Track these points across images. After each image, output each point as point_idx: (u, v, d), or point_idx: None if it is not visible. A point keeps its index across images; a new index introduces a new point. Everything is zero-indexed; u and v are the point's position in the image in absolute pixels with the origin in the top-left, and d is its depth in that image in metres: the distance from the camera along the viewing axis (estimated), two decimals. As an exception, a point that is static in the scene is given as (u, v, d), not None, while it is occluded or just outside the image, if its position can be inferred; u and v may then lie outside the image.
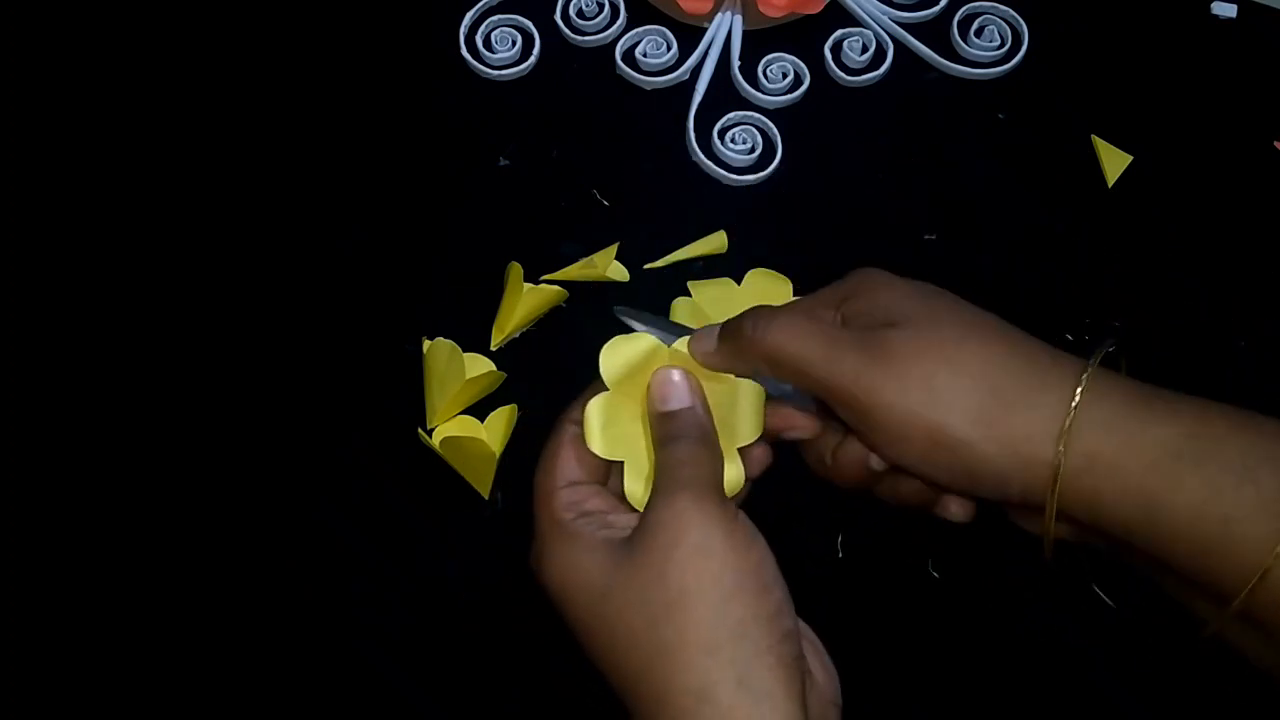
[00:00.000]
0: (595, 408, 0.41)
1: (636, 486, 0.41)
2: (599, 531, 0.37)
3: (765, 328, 0.39)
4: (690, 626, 0.34)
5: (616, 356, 0.41)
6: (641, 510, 0.39)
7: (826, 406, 0.39)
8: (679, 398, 0.40)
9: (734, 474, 0.42)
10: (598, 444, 0.40)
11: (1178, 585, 0.36)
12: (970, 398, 0.35)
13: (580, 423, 0.41)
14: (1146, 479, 0.34)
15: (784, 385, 0.41)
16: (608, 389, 0.41)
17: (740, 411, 0.42)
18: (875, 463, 0.39)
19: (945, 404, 0.35)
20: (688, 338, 0.42)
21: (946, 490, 0.38)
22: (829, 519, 0.52)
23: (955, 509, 0.40)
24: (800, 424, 0.42)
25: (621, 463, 0.41)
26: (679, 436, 0.39)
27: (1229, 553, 0.33)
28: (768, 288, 0.55)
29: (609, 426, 0.41)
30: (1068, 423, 0.34)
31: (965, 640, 0.50)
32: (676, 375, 0.40)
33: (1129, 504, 0.34)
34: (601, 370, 0.41)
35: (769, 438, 0.42)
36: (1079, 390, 0.35)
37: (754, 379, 0.42)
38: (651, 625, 0.34)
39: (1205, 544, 0.33)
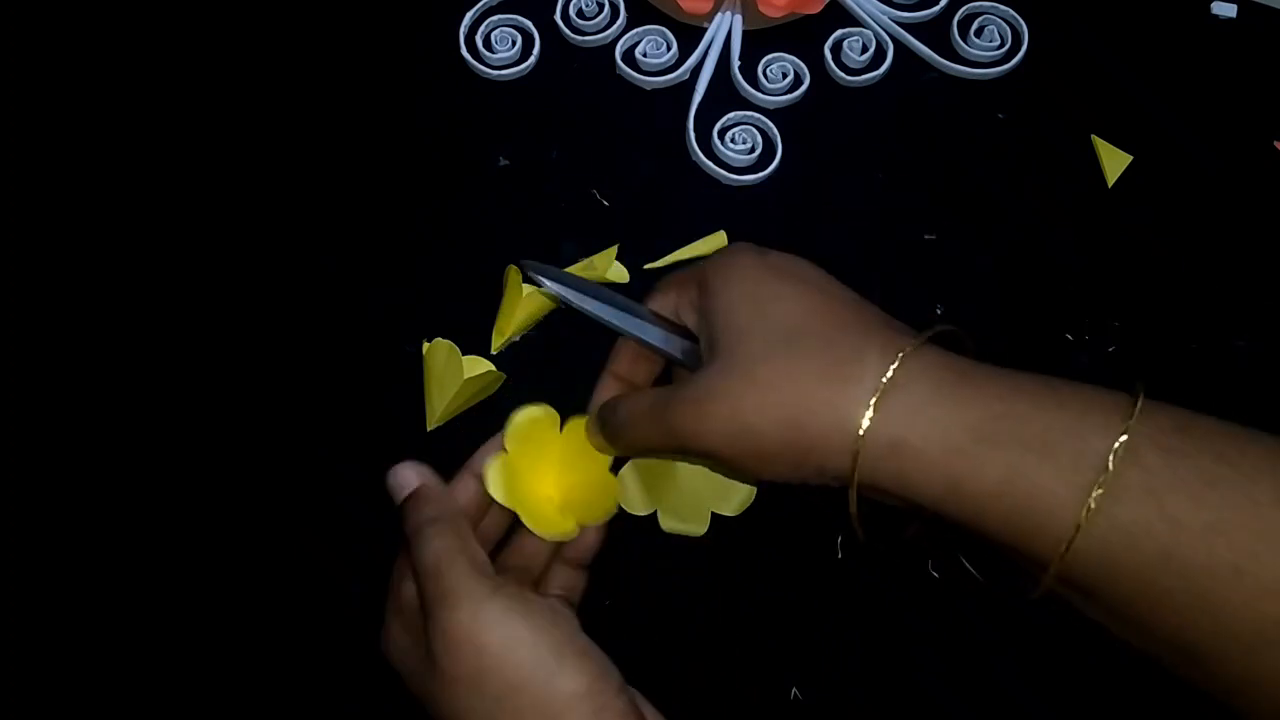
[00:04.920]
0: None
1: (671, 522, 0.50)
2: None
3: (602, 430, 0.45)
4: (524, 713, 0.39)
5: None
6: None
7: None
8: (408, 483, 0.45)
9: (747, 486, 0.51)
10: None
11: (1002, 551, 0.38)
12: (777, 415, 0.38)
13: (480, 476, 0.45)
14: (951, 462, 0.36)
15: (671, 344, 0.45)
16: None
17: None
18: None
19: (756, 432, 0.38)
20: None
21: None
22: (827, 520, 0.52)
23: None
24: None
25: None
26: (420, 524, 0.43)
27: (1036, 525, 0.35)
28: None
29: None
30: (866, 418, 0.36)
31: (966, 641, 0.50)
32: (401, 468, 0.45)
33: (936, 484, 0.36)
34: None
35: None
36: (884, 378, 0.37)
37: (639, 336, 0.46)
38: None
39: (1013, 519, 0.35)
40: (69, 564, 0.52)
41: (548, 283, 0.46)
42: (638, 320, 0.45)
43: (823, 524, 0.52)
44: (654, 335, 0.45)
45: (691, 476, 0.51)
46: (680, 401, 0.40)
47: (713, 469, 0.49)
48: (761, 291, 0.40)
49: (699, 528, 0.51)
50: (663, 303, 0.46)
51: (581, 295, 0.46)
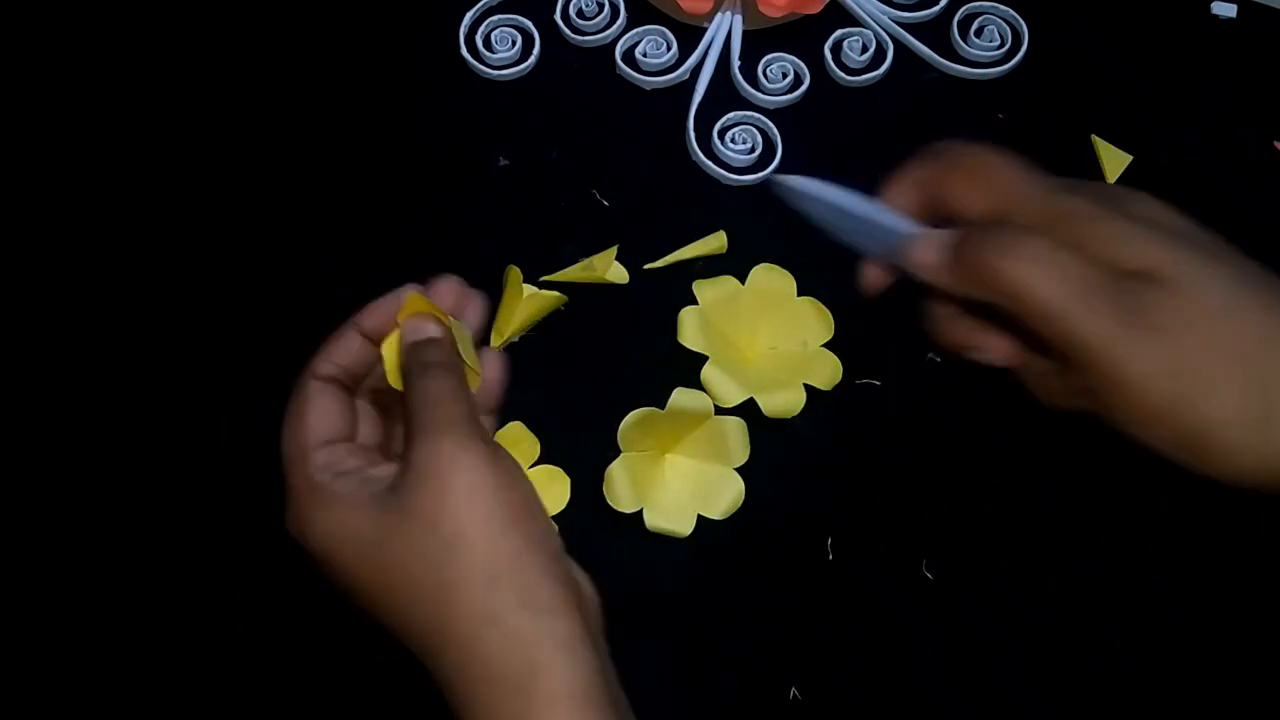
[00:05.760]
0: (617, 468, 0.50)
1: (656, 520, 0.51)
2: (361, 489, 0.37)
3: (1013, 256, 0.34)
4: (470, 565, 0.34)
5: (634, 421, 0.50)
6: None
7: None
8: (429, 330, 0.40)
9: (735, 492, 0.52)
10: (625, 502, 0.50)
11: None
12: (1234, 392, 0.31)
13: (324, 377, 0.41)
14: None
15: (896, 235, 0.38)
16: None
17: (730, 441, 0.52)
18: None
19: (1207, 397, 0.31)
20: None
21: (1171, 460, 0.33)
22: (818, 521, 0.52)
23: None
24: (993, 348, 0.37)
25: (371, 417, 0.42)
26: (429, 364, 0.38)
27: None
28: (772, 284, 0.55)
29: (631, 484, 0.50)
30: None
31: (966, 641, 0.50)
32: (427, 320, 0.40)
33: None
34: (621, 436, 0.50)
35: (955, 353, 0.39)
36: None
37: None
38: (433, 569, 0.35)
39: None
40: (67, 562, 0.52)
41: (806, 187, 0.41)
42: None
43: (813, 526, 0.52)
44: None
45: (680, 477, 0.52)
46: (1128, 304, 0.32)
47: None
48: (1192, 246, 0.34)
49: (684, 528, 0.51)
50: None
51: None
